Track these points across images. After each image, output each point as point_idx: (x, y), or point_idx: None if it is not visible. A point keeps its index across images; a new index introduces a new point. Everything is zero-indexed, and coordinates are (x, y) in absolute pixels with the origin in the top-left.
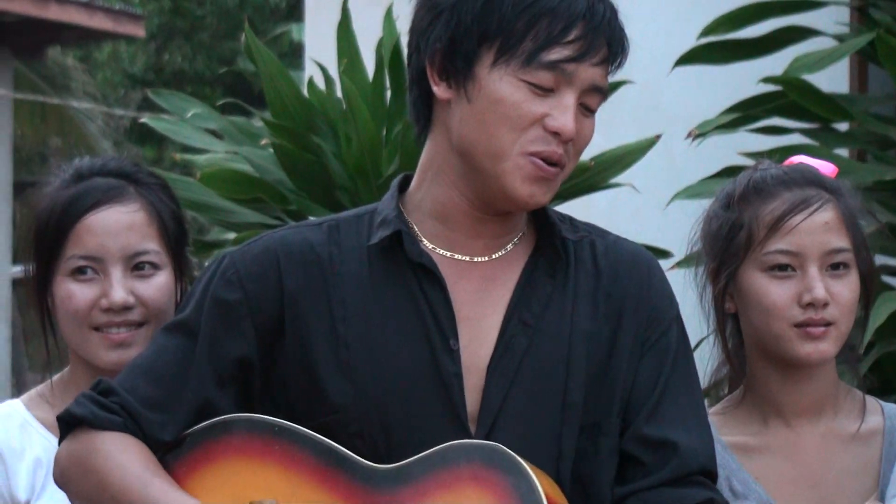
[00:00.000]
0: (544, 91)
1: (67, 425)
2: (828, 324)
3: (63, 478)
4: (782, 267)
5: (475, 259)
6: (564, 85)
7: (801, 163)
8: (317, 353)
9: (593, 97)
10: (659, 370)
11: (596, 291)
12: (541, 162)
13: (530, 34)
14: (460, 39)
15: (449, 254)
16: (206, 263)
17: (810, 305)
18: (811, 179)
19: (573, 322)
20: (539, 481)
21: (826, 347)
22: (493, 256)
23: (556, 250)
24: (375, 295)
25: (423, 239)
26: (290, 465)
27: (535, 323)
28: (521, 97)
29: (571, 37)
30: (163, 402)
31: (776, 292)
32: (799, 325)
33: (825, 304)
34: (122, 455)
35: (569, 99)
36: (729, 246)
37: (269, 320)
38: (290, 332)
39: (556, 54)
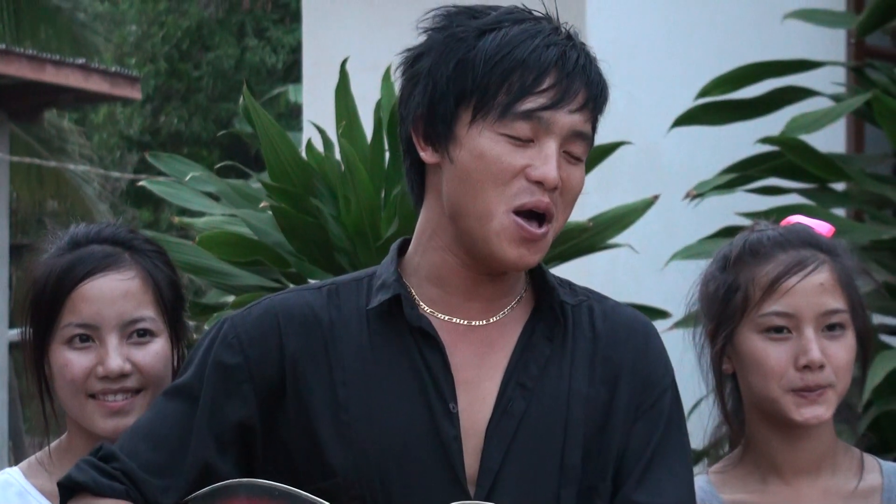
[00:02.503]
0: (523, 142)
1: (68, 490)
2: (824, 386)
3: None
4: (778, 329)
5: (473, 323)
6: (543, 134)
7: (798, 223)
8: (317, 417)
9: (577, 144)
10: (650, 436)
11: (593, 356)
12: (525, 223)
13: (503, 88)
14: (438, 102)
15: (447, 318)
16: (206, 327)
17: (806, 368)
18: (807, 240)
19: (571, 385)
20: None
21: (822, 412)
22: (491, 320)
23: (554, 314)
24: (375, 358)
25: (422, 303)
26: None
27: (533, 386)
28: (501, 150)
29: (545, 85)
30: (164, 467)
31: (772, 355)
32: (796, 391)
33: (821, 366)
34: None
35: (549, 148)
36: (726, 308)
37: (269, 384)
38: (290, 395)
39: (530, 103)
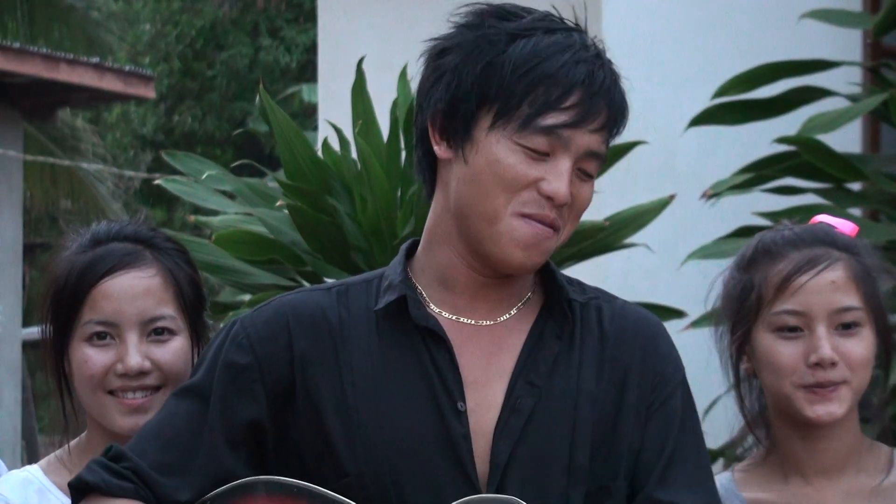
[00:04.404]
0: (539, 155)
1: (79, 492)
2: (838, 383)
3: None
4: (791, 328)
5: (481, 323)
6: (560, 150)
7: (821, 222)
8: (327, 418)
9: (590, 162)
10: (665, 435)
11: (601, 356)
12: (535, 224)
13: (528, 99)
14: (460, 101)
15: (454, 317)
16: (221, 325)
17: (818, 366)
18: (821, 238)
19: (579, 384)
20: None
21: (835, 408)
22: (499, 320)
23: (563, 312)
24: (383, 359)
25: (430, 303)
26: None
27: (541, 384)
28: (516, 160)
29: (568, 103)
30: (175, 466)
31: (784, 353)
32: (808, 387)
33: (833, 364)
34: None
35: (564, 164)
36: (742, 307)
37: (279, 384)
38: (300, 396)
39: (552, 119)
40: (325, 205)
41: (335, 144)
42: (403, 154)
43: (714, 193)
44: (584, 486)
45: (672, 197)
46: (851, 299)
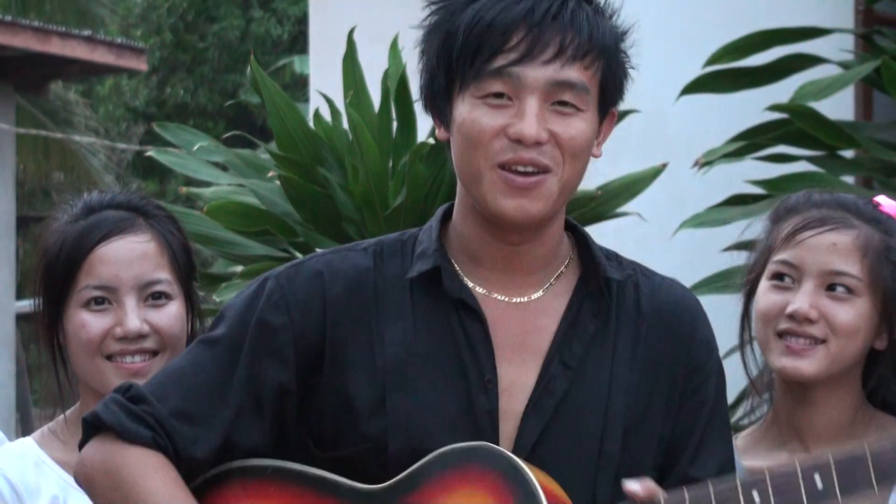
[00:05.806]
0: (502, 102)
1: (93, 428)
2: (815, 342)
3: (87, 482)
4: (781, 276)
5: (514, 300)
6: (520, 91)
7: (877, 202)
8: (354, 383)
9: (566, 93)
10: (695, 420)
11: (636, 339)
12: (510, 175)
13: (477, 53)
14: (433, 78)
15: (487, 293)
16: (215, 297)
17: (792, 317)
18: (845, 205)
19: (613, 371)
20: (534, 476)
21: (806, 366)
22: (533, 297)
23: (601, 291)
24: (416, 327)
25: (463, 276)
26: (289, 501)
27: (576, 366)
28: (479, 114)
29: (512, 42)
30: (196, 416)
31: (769, 299)
32: (781, 335)
33: (809, 320)
34: (149, 481)
35: (527, 104)
36: (758, 257)
37: (310, 347)
38: (328, 360)
39: (500, 61)
40: (316, 175)
41: (327, 115)
42: (395, 124)
43: (706, 162)
44: (612, 471)
45: (664, 166)
46: (849, 266)
